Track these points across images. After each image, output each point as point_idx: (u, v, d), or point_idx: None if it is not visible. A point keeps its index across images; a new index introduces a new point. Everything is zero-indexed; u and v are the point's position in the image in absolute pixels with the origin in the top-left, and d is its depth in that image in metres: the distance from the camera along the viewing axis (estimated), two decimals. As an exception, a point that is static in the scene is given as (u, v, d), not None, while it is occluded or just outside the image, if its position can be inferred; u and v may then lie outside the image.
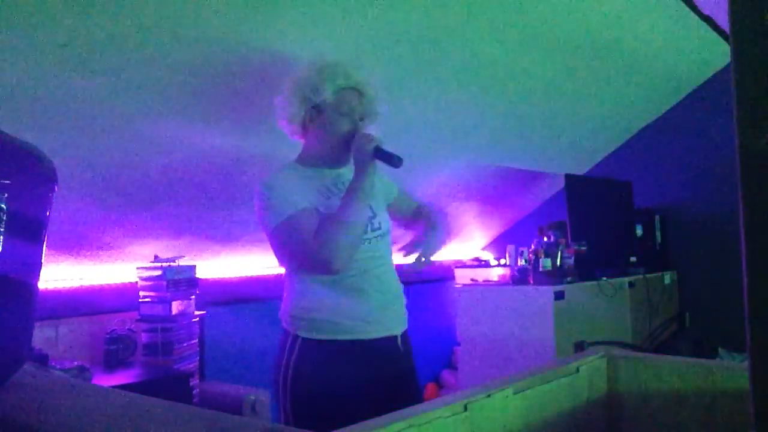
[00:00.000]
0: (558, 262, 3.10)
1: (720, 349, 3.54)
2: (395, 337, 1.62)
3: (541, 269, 3.06)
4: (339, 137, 1.62)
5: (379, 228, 1.64)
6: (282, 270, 1.66)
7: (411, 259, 1.66)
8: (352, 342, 1.55)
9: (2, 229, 0.84)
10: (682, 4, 2.76)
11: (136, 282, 2.72)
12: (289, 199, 1.53)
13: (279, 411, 1.59)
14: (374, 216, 1.64)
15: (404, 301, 1.70)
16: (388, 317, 1.61)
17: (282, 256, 1.60)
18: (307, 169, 1.66)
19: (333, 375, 1.54)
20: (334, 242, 1.48)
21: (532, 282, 3.03)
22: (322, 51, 2.21)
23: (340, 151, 1.63)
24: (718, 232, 3.72)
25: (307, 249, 1.50)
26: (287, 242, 1.55)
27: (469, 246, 4.82)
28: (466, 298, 3.23)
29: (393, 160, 1.56)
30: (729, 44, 0.49)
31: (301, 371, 1.54)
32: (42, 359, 2.18)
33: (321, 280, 1.55)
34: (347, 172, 1.65)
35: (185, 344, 2.70)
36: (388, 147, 1.57)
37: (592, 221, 3.42)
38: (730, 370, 1.13)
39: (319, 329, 1.55)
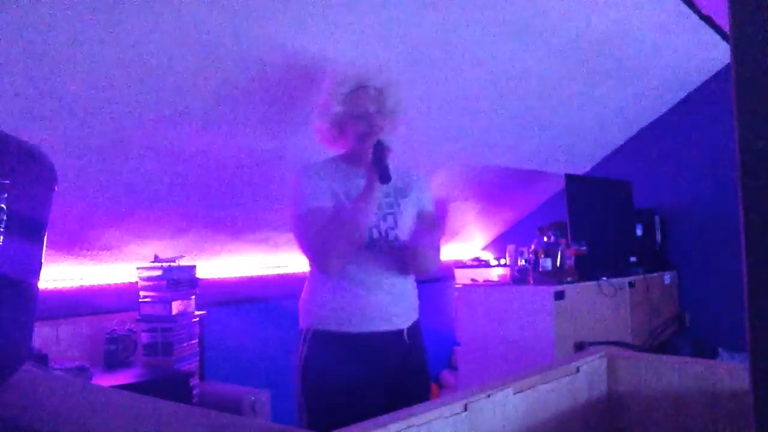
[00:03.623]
0: (558, 262, 3.10)
1: (720, 349, 3.54)
2: (401, 330, 1.65)
3: (541, 269, 3.05)
4: (357, 141, 1.65)
5: (396, 240, 1.67)
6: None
7: None
8: (358, 334, 1.59)
9: (2, 229, 0.84)
10: (682, 4, 2.77)
11: (136, 282, 2.72)
12: (314, 193, 1.57)
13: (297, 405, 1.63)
14: (394, 227, 1.66)
15: (413, 297, 1.74)
16: (392, 312, 1.64)
17: (300, 248, 1.65)
18: (344, 165, 1.69)
19: (341, 366, 1.58)
20: (326, 246, 1.53)
21: (532, 282, 3.03)
22: (324, 50, 2.21)
23: (363, 155, 1.64)
24: (718, 232, 3.72)
25: (308, 246, 1.57)
26: (298, 236, 1.60)
27: (469, 246, 4.82)
28: (466, 298, 3.23)
29: (381, 172, 1.54)
30: (729, 44, 0.49)
31: (311, 363, 1.59)
32: (42, 359, 2.18)
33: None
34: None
35: (185, 344, 2.70)
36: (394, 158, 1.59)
37: (592, 221, 3.42)
38: (730, 370, 1.13)
39: (328, 322, 1.60)
